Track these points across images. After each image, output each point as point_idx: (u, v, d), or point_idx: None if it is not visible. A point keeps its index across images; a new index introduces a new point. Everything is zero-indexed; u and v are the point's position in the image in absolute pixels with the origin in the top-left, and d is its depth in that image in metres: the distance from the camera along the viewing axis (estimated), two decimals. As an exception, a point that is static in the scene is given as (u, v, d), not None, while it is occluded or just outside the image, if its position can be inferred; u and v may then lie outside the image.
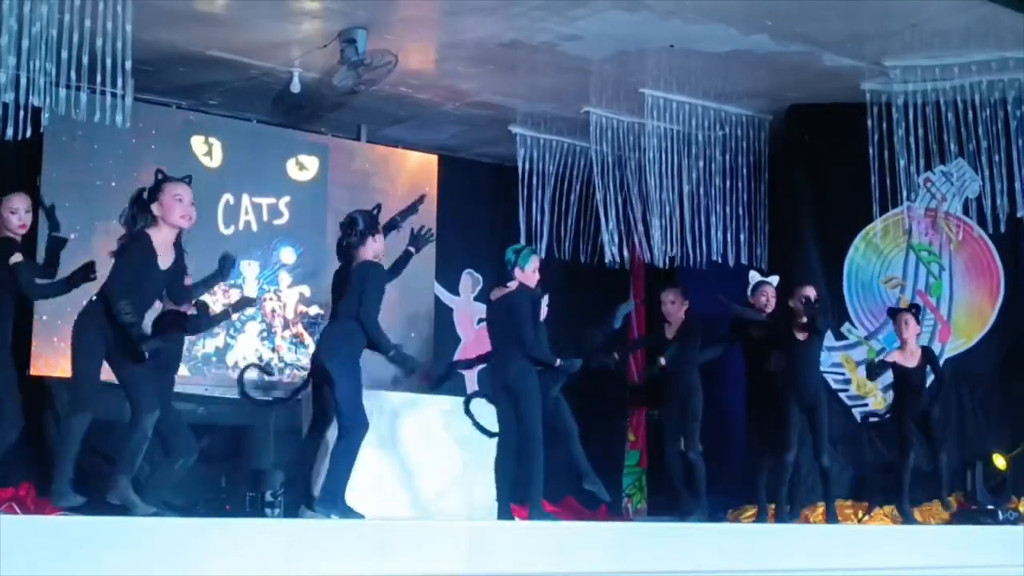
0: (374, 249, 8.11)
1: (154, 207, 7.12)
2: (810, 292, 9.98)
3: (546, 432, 8.38)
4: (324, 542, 6.11)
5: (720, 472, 10.69)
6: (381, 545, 6.26)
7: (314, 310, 11.79)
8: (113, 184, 10.92)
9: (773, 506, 9.90)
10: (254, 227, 11.59)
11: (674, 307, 10.43)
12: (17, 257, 7.68)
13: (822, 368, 11.37)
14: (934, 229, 11.37)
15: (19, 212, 7.88)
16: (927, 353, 10.30)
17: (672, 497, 10.52)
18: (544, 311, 8.78)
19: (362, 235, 8.07)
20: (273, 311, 11.65)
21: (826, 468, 9.84)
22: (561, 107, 11.70)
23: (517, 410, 8.32)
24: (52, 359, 10.55)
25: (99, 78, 8.73)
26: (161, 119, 11.23)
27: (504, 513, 8.29)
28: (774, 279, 10.38)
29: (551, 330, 9.24)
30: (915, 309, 10.34)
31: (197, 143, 11.41)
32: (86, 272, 7.73)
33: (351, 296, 7.90)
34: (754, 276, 10.54)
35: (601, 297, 12.15)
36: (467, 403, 9.35)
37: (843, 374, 11.44)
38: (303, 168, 11.95)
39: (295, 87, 10.77)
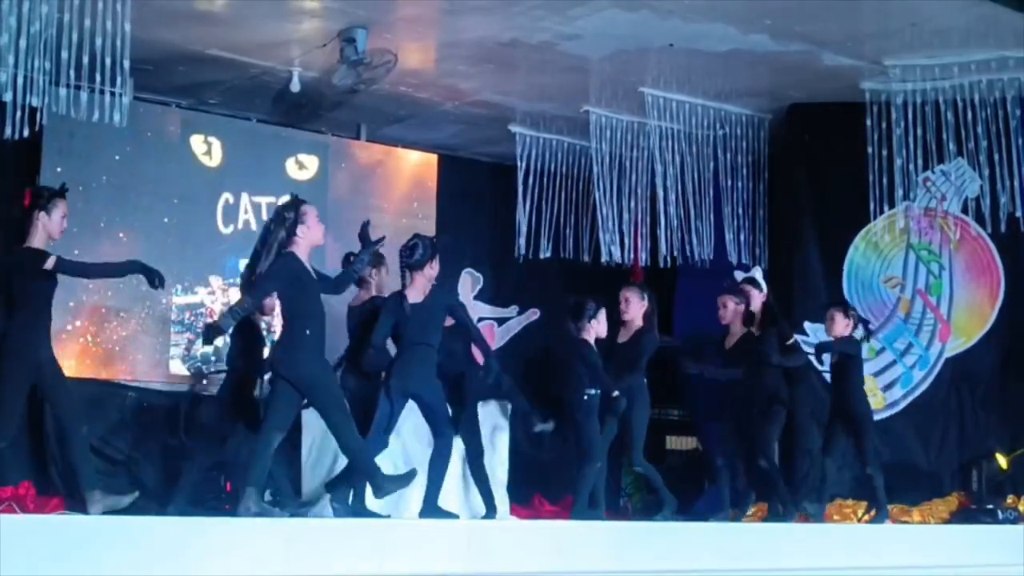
0: (430, 274, 8.34)
1: (300, 229, 7.35)
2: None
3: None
4: (324, 542, 6.11)
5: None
6: (381, 544, 6.26)
7: (313, 308, 11.76)
8: (113, 183, 10.93)
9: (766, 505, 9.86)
10: (253, 226, 11.55)
11: (629, 307, 9.51)
12: (51, 260, 7.59)
13: (821, 368, 11.40)
14: (933, 228, 11.36)
15: (67, 215, 7.82)
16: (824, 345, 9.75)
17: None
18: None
19: (423, 259, 8.29)
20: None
21: (763, 469, 9.42)
22: (561, 106, 11.69)
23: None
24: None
25: (98, 77, 8.72)
26: (160, 118, 11.24)
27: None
28: (756, 271, 10.04)
29: (554, 330, 9.27)
30: (845, 307, 9.95)
31: (196, 142, 11.42)
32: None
33: (437, 327, 8.26)
34: (738, 276, 10.31)
35: (601, 297, 12.12)
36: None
37: (842, 373, 11.42)
38: (303, 167, 11.95)
39: (295, 86, 10.77)
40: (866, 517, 10.33)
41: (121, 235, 10.95)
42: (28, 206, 7.56)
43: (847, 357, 9.61)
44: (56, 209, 7.60)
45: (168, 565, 5.51)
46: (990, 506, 10.41)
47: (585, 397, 8.92)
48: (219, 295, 11.35)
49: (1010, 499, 10.51)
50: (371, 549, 6.19)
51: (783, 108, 11.74)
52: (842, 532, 9.36)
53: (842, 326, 9.69)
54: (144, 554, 5.48)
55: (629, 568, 6.86)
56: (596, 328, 9.17)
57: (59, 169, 10.56)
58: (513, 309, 12.98)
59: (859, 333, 9.89)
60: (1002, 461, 10.81)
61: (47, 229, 7.56)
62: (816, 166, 11.77)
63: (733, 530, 8.43)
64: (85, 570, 5.29)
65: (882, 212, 10.97)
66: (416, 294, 8.26)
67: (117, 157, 10.88)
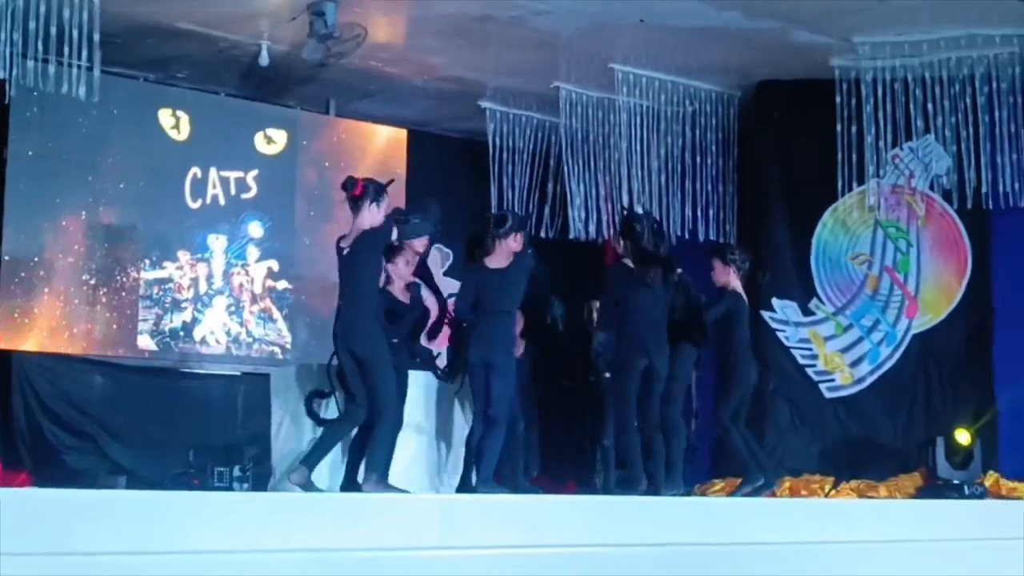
0: (513, 246, 8.27)
1: None
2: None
3: None
4: (294, 516, 6.10)
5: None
6: (352, 519, 6.25)
7: (282, 284, 11.74)
8: (80, 157, 10.86)
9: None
10: (222, 201, 11.53)
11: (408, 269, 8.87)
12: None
13: (789, 344, 11.46)
14: (900, 205, 11.40)
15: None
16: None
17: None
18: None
19: (510, 230, 8.23)
20: (241, 285, 11.59)
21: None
22: (531, 82, 11.67)
23: None
24: (16, 333, 10.50)
25: (66, 50, 8.66)
26: (128, 92, 11.15)
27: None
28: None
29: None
30: (723, 252, 8.98)
31: (164, 116, 11.35)
32: None
33: (517, 290, 8.15)
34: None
35: (572, 272, 12.11)
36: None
37: (810, 349, 11.48)
38: (271, 142, 11.90)
39: (263, 60, 10.71)
40: (833, 492, 10.39)
41: (88, 208, 10.91)
42: (359, 195, 7.62)
43: (731, 314, 8.76)
44: (384, 201, 7.69)
45: (136, 540, 5.48)
46: (956, 481, 10.46)
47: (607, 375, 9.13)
48: (187, 270, 11.30)
49: (979, 477, 10.56)
50: (342, 523, 6.18)
51: (752, 85, 11.76)
52: (811, 506, 9.39)
53: (723, 273, 8.79)
54: (111, 528, 5.45)
55: (601, 542, 6.87)
56: None
57: (26, 142, 10.51)
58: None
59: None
60: (964, 437, 10.83)
61: (372, 218, 7.61)
62: (785, 143, 11.79)
63: (703, 504, 8.46)
64: (51, 544, 5.25)
65: (850, 189, 11.04)
66: (498, 261, 8.20)
67: (85, 130, 10.81)
